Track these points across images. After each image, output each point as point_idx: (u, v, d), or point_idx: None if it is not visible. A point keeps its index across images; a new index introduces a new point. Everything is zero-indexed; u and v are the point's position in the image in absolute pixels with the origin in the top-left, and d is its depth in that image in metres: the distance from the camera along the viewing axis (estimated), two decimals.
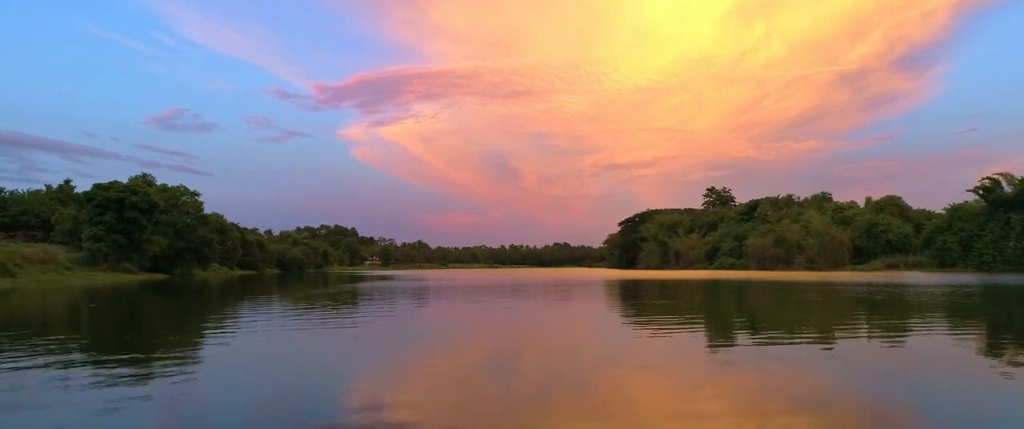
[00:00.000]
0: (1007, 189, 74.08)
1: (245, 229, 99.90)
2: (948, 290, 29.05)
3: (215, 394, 7.30)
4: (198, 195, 77.27)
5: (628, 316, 18.40)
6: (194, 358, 10.05)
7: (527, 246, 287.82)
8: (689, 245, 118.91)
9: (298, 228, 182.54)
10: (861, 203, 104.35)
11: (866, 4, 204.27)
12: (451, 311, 20.20)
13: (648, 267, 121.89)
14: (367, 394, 7.37)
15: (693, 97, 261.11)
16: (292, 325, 15.34)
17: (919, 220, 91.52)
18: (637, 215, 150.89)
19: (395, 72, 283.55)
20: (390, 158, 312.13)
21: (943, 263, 75.66)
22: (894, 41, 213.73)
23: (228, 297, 28.80)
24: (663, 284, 41.09)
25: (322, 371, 8.95)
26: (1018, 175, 74.00)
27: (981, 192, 76.46)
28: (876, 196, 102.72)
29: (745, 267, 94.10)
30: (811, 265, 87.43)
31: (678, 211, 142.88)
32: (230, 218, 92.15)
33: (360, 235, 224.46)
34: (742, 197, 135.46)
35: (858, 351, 10.61)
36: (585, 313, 19.44)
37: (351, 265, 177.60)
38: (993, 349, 10.86)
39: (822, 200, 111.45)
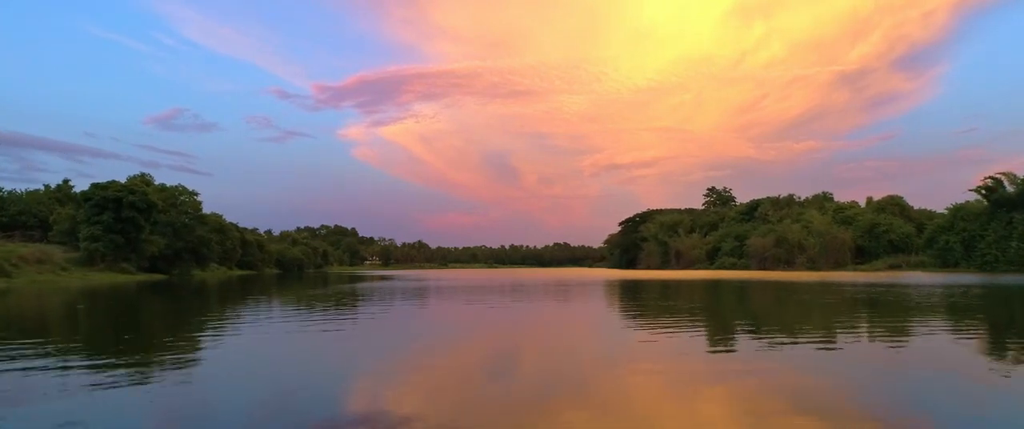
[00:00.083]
0: (1009, 189, 73.78)
1: (244, 229, 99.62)
2: (950, 290, 28.89)
3: (215, 394, 7.29)
4: (197, 195, 77.06)
5: (628, 316, 18.23)
6: (193, 358, 9.98)
7: (527, 246, 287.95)
8: (690, 245, 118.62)
9: (298, 228, 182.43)
10: (862, 203, 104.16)
11: (866, 4, 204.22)
12: (451, 311, 20.08)
13: (648, 267, 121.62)
14: (367, 394, 7.33)
15: (693, 97, 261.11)
16: (292, 325, 15.27)
17: (921, 220, 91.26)
18: (637, 215, 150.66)
19: (395, 72, 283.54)
20: (390, 158, 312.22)
21: (945, 263, 75.37)
22: (894, 41, 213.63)
23: (227, 297, 28.62)
24: (664, 284, 40.86)
25: (322, 371, 8.93)
26: (1020, 175, 73.77)
27: (983, 192, 76.20)
28: (876, 196, 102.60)
29: (746, 267, 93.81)
30: (812, 265, 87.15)
31: (678, 211, 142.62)
32: (230, 218, 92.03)
33: (360, 235, 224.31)
34: (742, 197, 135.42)
35: (859, 351, 10.54)
36: (585, 313, 19.29)
37: (351, 265, 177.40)
38: (994, 349, 10.79)
39: (823, 200, 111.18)
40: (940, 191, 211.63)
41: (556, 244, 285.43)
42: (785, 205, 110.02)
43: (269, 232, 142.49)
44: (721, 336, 12.85)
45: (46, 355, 10.04)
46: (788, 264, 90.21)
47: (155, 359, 9.77)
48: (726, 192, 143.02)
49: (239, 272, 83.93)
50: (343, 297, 26.94)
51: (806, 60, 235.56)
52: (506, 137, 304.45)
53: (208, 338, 12.73)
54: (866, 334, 13.00)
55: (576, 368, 8.94)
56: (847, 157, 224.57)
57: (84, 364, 9.20)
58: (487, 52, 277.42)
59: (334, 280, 53.76)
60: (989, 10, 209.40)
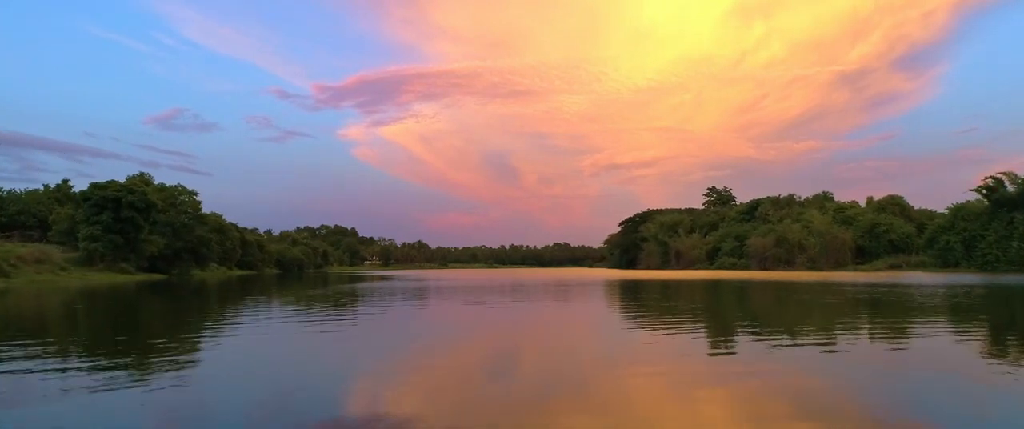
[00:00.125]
0: (1010, 189, 73.65)
1: (244, 229, 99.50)
2: (951, 291, 28.78)
3: (214, 395, 7.27)
4: (196, 194, 76.99)
5: (628, 317, 18.12)
6: (193, 358, 9.95)
7: (527, 246, 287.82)
8: (690, 245, 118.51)
9: (298, 228, 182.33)
10: (862, 203, 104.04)
11: (866, 4, 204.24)
12: (451, 311, 20.00)
13: (648, 267, 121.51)
14: (367, 394, 7.30)
15: (693, 97, 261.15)
16: (291, 325, 15.26)
17: (921, 220, 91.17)
18: (637, 215, 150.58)
19: (395, 72, 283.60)
20: (390, 158, 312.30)
21: (946, 263, 75.26)
22: (894, 41, 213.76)
23: (226, 297, 28.51)
24: (664, 284, 40.75)
25: (322, 371, 8.90)
26: (1021, 174, 73.60)
27: (984, 192, 76.09)
28: (877, 196, 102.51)
29: (746, 267, 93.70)
30: (813, 265, 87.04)
31: (679, 211, 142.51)
32: (230, 218, 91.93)
33: (360, 235, 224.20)
34: (742, 197, 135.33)
35: (860, 352, 10.47)
36: (585, 313, 19.21)
37: (351, 265, 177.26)
38: (996, 350, 10.73)
39: (823, 200, 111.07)
40: (940, 191, 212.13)
41: (556, 244, 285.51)
42: (785, 205, 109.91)
43: (269, 232, 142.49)
44: (722, 337, 12.75)
45: (42, 356, 9.97)
46: (788, 264, 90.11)
47: (153, 360, 9.71)
48: (726, 192, 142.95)
49: (239, 272, 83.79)
50: (342, 297, 26.83)
51: (806, 60, 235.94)
52: (506, 137, 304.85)
53: (207, 338, 12.65)
54: (867, 335, 12.91)
55: (576, 369, 8.88)
56: (847, 157, 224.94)
57: (82, 365, 9.13)
58: (487, 52, 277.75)
59: (334, 280, 53.65)
60: (989, 10, 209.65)
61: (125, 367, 8.89)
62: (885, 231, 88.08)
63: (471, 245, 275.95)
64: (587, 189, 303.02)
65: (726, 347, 11.21)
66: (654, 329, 13.96)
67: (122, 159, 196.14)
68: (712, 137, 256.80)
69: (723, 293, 30.38)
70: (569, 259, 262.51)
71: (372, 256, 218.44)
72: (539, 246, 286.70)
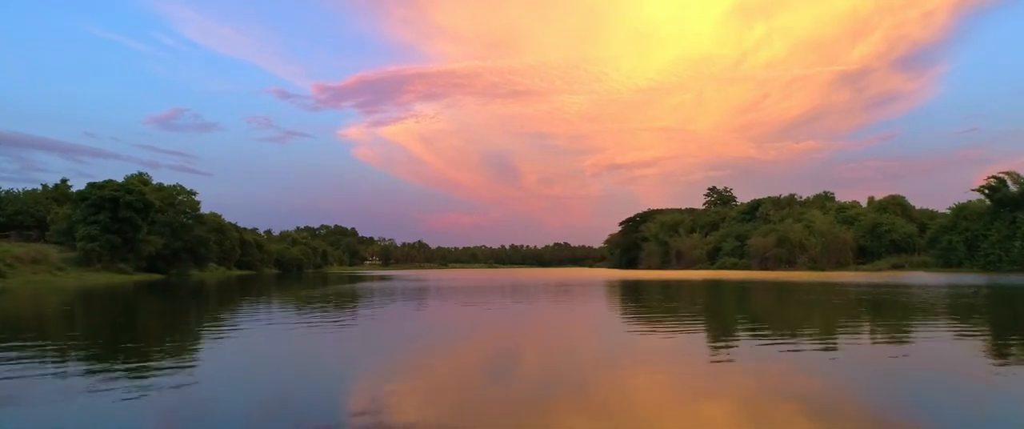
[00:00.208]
0: (1012, 188, 73.26)
1: (244, 229, 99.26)
2: (953, 291, 28.64)
3: (215, 394, 7.27)
4: (195, 194, 76.66)
5: (629, 317, 18.03)
6: (192, 359, 9.96)
7: (527, 246, 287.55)
8: (690, 245, 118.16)
9: (298, 228, 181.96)
10: (862, 203, 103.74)
11: (866, 4, 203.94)
12: (451, 311, 19.95)
13: (649, 267, 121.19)
14: (367, 394, 7.28)
15: (693, 97, 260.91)
16: (290, 326, 15.29)
17: (922, 220, 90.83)
18: (638, 215, 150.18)
19: (395, 72, 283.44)
20: (390, 158, 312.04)
21: (948, 263, 74.93)
22: (894, 41, 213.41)
23: (225, 297, 28.39)
24: (664, 284, 40.50)
25: (322, 371, 8.89)
26: None
27: (986, 191, 75.70)
28: (877, 196, 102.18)
29: (747, 267, 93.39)
30: (814, 265, 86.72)
31: (679, 211, 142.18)
32: (230, 218, 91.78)
33: (360, 235, 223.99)
34: (743, 197, 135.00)
35: (860, 352, 10.43)
36: (585, 313, 19.09)
37: (351, 265, 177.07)
38: (996, 350, 10.66)
39: (825, 199, 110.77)
40: (940, 191, 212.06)
41: (556, 244, 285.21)
42: (786, 205, 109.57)
43: (269, 232, 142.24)
44: (722, 337, 12.71)
45: (40, 357, 9.90)
46: (790, 264, 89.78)
47: (152, 360, 9.67)
48: (727, 192, 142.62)
49: (238, 272, 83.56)
50: (342, 297, 26.72)
51: (807, 60, 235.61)
52: (506, 137, 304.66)
53: (206, 339, 12.63)
54: (868, 335, 12.86)
55: (576, 369, 8.81)
56: (847, 157, 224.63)
57: (80, 366, 9.09)
58: (487, 52, 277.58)
59: (333, 280, 53.43)
60: (989, 10, 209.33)
61: (124, 368, 8.84)
62: (887, 231, 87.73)
63: (471, 245, 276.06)
64: (587, 189, 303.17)
65: (727, 348, 11.13)
66: (654, 330, 13.88)
67: (122, 159, 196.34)
68: (712, 137, 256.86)
69: (724, 293, 30.20)
70: (569, 259, 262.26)
71: (372, 256, 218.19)
72: (539, 246, 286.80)
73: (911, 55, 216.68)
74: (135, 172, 70.81)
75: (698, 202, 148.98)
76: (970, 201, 78.81)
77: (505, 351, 11.19)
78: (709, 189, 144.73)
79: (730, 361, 9.53)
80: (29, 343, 11.74)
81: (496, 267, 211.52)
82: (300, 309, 20.26)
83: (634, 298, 26.46)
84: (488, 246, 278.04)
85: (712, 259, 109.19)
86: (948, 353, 10.21)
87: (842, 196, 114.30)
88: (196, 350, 11.00)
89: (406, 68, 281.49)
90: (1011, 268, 66.64)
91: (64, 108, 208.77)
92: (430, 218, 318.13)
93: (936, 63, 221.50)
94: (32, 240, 60.15)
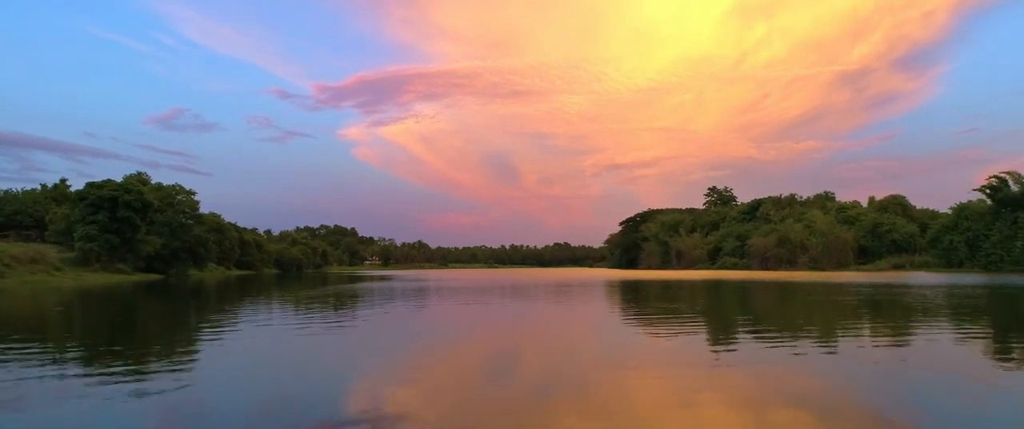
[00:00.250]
0: (1014, 188, 73.10)
1: (243, 229, 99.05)
2: (954, 291, 28.51)
3: (215, 394, 7.27)
4: (194, 194, 76.38)
5: (629, 317, 17.96)
6: (192, 359, 9.93)
7: (527, 246, 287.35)
8: (691, 245, 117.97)
9: (298, 228, 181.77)
10: (863, 203, 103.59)
11: (866, 4, 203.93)
12: (451, 311, 19.89)
13: (649, 267, 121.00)
14: (367, 394, 7.28)
15: (694, 97, 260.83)
16: (290, 325, 15.26)
17: (923, 220, 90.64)
18: (638, 215, 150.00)
19: (395, 72, 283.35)
20: (390, 158, 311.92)
21: (950, 263, 74.76)
22: (894, 41, 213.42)
23: (225, 297, 28.25)
24: (665, 284, 40.34)
25: (322, 371, 8.86)
26: None
27: (988, 191, 75.54)
28: (878, 196, 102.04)
29: (748, 267, 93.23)
30: (815, 265, 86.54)
31: (679, 211, 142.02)
32: (230, 218, 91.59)
33: (360, 235, 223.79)
34: (743, 197, 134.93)
35: (861, 352, 10.41)
36: (586, 314, 18.98)
37: (350, 265, 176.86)
38: (997, 350, 10.64)
39: (825, 199, 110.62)
40: (940, 191, 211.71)
41: (556, 244, 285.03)
42: (787, 205, 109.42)
43: (269, 232, 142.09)
44: (723, 337, 12.66)
45: (39, 357, 9.85)
46: (790, 264, 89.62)
47: (152, 360, 9.66)
48: (727, 192, 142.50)
49: (237, 272, 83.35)
50: (342, 297, 26.61)
51: (807, 60, 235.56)
52: (506, 137, 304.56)
53: (205, 339, 12.59)
54: (869, 335, 12.80)
55: (576, 369, 8.77)
56: (847, 157, 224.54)
57: (79, 367, 9.04)
58: (487, 52, 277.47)
59: (333, 280, 53.24)
60: (989, 10, 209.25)
61: (124, 367, 8.83)
62: (888, 231, 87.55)
63: (471, 245, 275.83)
64: (588, 189, 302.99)
65: (727, 348, 11.08)
66: (655, 330, 13.82)
67: (122, 159, 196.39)
68: (713, 137, 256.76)
69: (724, 293, 30.04)
70: (569, 259, 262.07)
71: (372, 256, 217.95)
72: (539, 246, 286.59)
73: (911, 55, 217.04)
74: (135, 172, 70.65)
75: (698, 202, 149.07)
76: (971, 201, 78.69)
77: (505, 351, 11.14)
78: (709, 189, 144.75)
79: (730, 361, 9.49)
80: (26, 344, 11.60)
81: (496, 267, 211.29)
82: (300, 309, 20.17)
83: (634, 298, 26.32)
84: (488, 246, 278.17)
85: (713, 259, 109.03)
86: (949, 353, 10.18)
87: (842, 196, 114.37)
88: (195, 350, 10.95)
89: (406, 68, 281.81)
90: (1013, 268, 66.47)
91: (64, 108, 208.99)
92: (430, 218, 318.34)
93: (936, 63, 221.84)
94: (31, 240, 59.94)
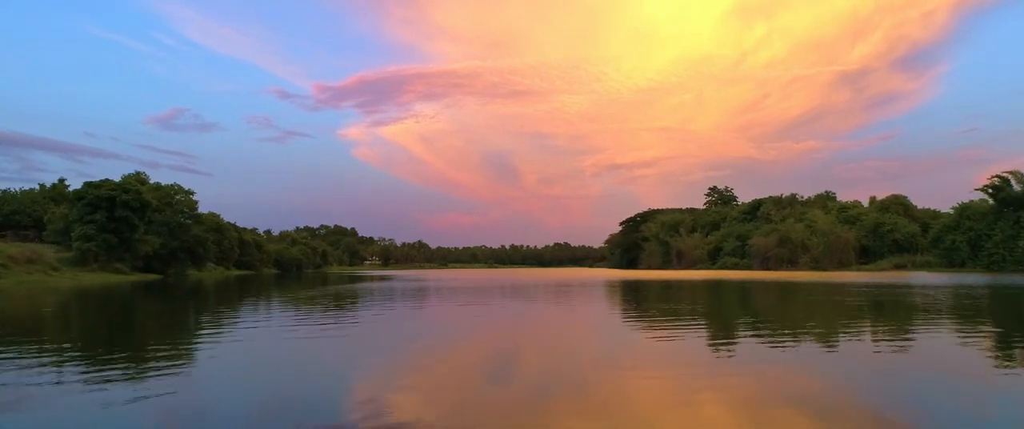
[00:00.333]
0: (1016, 187, 72.86)
1: (243, 229, 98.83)
2: (956, 291, 28.35)
3: (214, 394, 7.27)
4: (193, 194, 76.10)
5: (629, 317, 17.83)
6: (191, 359, 9.89)
7: (527, 246, 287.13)
8: (691, 245, 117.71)
9: (297, 228, 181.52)
10: (863, 203, 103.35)
11: (866, 4, 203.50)
12: (451, 311, 19.82)
13: (650, 267, 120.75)
14: (367, 395, 7.25)
15: (694, 97, 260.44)
16: (290, 326, 15.21)
17: (925, 219, 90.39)
18: (638, 215, 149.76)
19: (395, 72, 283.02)
20: (390, 158, 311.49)
21: (952, 263, 74.51)
22: (895, 41, 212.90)
23: (223, 298, 28.11)
24: (665, 284, 40.13)
25: (321, 371, 8.84)
26: None
27: (990, 191, 75.27)
28: (878, 196, 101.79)
29: (748, 267, 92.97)
30: (816, 265, 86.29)
31: (680, 211, 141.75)
32: (230, 218, 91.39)
33: (360, 235, 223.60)
34: (743, 197, 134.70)
35: (861, 352, 10.37)
36: (585, 314, 18.87)
37: (350, 265, 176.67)
38: (997, 350, 10.52)
39: (826, 199, 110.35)
40: (940, 191, 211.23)
41: (556, 244, 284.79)
42: (788, 205, 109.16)
43: (268, 232, 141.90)
44: (723, 338, 12.58)
45: (38, 357, 9.79)
46: (791, 264, 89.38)
47: (152, 360, 9.63)
48: (728, 191, 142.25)
49: (236, 272, 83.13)
50: (341, 298, 26.47)
51: (807, 60, 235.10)
52: (506, 137, 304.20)
53: (204, 339, 12.56)
54: (870, 335, 12.72)
55: (576, 370, 8.70)
56: (848, 157, 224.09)
57: (79, 365, 9.02)
58: (487, 52, 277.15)
59: (333, 280, 53.04)
60: (989, 10, 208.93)
61: (123, 367, 8.80)
62: (889, 231, 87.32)
63: (471, 245, 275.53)
64: (588, 189, 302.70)
65: (727, 348, 11.01)
66: (655, 330, 13.73)
67: (122, 159, 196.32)
68: (713, 137, 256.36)
69: (725, 293, 29.87)
70: (570, 259, 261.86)
71: (372, 256, 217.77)
72: (539, 246, 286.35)
73: (911, 55, 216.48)
74: (134, 172, 70.39)
75: (698, 202, 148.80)
76: (973, 201, 78.45)
77: (505, 351, 11.08)
78: (710, 189, 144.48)
79: (730, 361, 9.44)
80: (24, 344, 11.48)
81: (496, 267, 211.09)
82: (299, 309, 20.05)
83: (634, 298, 26.18)
84: (488, 246, 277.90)
85: (713, 259, 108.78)
86: (949, 353, 10.13)
87: (842, 196, 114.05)
88: (194, 351, 10.87)
89: (406, 68, 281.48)
90: (1015, 268, 66.23)
91: (64, 108, 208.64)
92: (430, 218, 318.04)
93: (936, 63, 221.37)
94: (29, 240, 59.74)
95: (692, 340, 11.95)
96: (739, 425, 5.85)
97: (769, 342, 11.42)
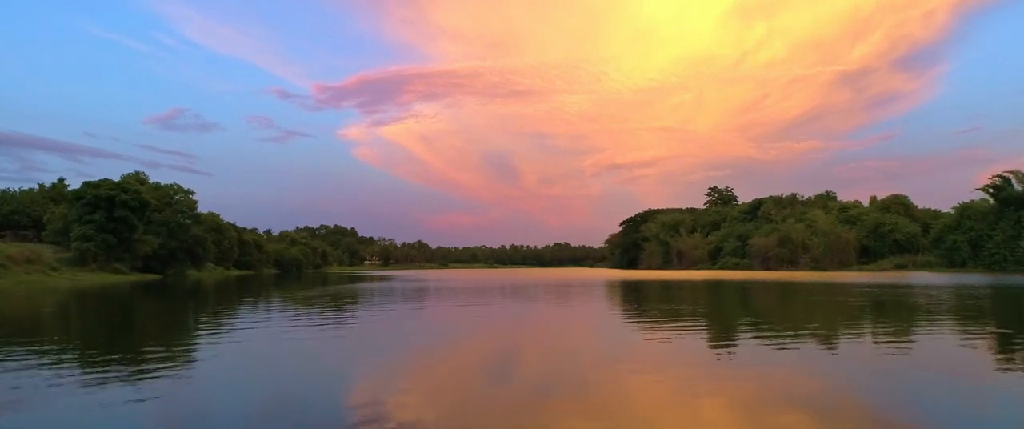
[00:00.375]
0: (1017, 187, 72.74)
1: (243, 228, 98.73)
2: (958, 291, 28.29)
3: (215, 394, 7.29)
4: (192, 193, 75.96)
5: (629, 318, 17.78)
6: (191, 359, 9.90)
7: (527, 246, 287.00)
8: (691, 245, 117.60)
9: (297, 228, 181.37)
10: (864, 203, 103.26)
11: (867, 4, 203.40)
12: (451, 311, 19.79)
13: (650, 267, 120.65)
14: (367, 394, 7.27)
15: (694, 97, 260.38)
16: (289, 326, 15.22)
17: (925, 219, 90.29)
18: (639, 215, 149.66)
19: (395, 72, 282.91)
20: (390, 158, 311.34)
21: (953, 263, 74.40)
22: (895, 41, 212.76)
23: (223, 298, 28.06)
24: (665, 285, 40.04)
25: (321, 372, 8.83)
26: None
27: (991, 191, 75.14)
28: (879, 196, 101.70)
29: (749, 267, 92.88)
30: (817, 265, 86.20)
31: (680, 211, 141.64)
32: (230, 218, 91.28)
33: (360, 235, 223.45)
34: (743, 197, 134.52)
35: (861, 352, 10.37)
36: (586, 314, 18.84)
37: (350, 265, 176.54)
38: (998, 351, 10.51)
39: (826, 199, 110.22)
40: (941, 191, 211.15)
41: (556, 244, 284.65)
42: (788, 204, 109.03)
43: (268, 232, 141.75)
44: (724, 337, 12.59)
45: (38, 357, 9.74)
46: (792, 264, 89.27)
47: (152, 360, 9.61)
48: (728, 191, 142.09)
49: (236, 272, 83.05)
50: (341, 298, 26.42)
51: (807, 60, 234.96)
52: (506, 137, 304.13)
53: (204, 339, 12.54)
54: (870, 335, 12.68)
55: (576, 370, 8.71)
56: (848, 157, 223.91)
57: (79, 365, 9.02)
58: (487, 52, 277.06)
59: (333, 280, 52.98)
60: (989, 10, 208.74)
61: (124, 367, 8.79)
62: (890, 231, 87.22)
63: (471, 245, 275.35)
64: (588, 189, 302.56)
65: (728, 348, 11.03)
66: (655, 330, 13.68)
67: (122, 159, 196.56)
68: (713, 137, 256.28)
69: (725, 294, 29.81)
70: (570, 259, 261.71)
71: (372, 256, 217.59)
72: (539, 246, 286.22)
73: (912, 55, 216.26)
74: (134, 172, 70.30)
75: (698, 202, 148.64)
76: (974, 200, 78.29)
77: (505, 351, 11.07)
78: (710, 189, 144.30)
79: (731, 362, 9.43)
80: (23, 345, 11.43)
81: (496, 267, 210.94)
82: (299, 309, 20.02)
83: (635, 299, 26.13)
84: (488, 246, 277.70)
85: (713, 259, 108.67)
86: (950, 353, 10.12)
87: (843, 196, 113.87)
88: (193, 351, 10.86)
89: (406, 68, 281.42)
90: (1016, 268, 66.12)
91: (64, 108, 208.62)
92: (430, 218, 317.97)
93: (937, 63, 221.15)
94: (28, 240, 59.66)
95: (692, 340, 11.91)
96: (740, 426, 5.83)
97: (770, 343, 11.39)
